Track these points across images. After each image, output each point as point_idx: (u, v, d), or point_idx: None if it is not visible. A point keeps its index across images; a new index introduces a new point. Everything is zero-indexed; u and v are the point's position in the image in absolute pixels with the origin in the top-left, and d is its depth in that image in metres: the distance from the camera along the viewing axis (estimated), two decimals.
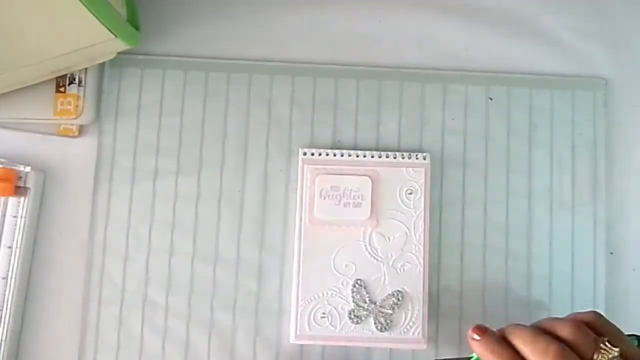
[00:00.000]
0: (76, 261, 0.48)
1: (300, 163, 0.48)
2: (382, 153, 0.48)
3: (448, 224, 0.49)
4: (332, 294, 0.47)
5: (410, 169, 0.48)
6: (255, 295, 0.48)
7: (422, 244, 0.47)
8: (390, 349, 0.47)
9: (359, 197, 0.47)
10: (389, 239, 0.47)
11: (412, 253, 0.47)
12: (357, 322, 0.46)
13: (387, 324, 0.46)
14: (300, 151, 0.48)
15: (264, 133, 0.50)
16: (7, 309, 0.46)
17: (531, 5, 0.52)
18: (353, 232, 0.47)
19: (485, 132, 0.50)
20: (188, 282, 0.48)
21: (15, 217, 0.47)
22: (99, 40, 0.43)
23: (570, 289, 0.49)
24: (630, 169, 0.51)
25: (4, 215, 0.47)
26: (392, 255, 0.47)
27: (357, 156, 0.48)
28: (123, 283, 0.48)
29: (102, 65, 0.49)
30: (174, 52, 0.51)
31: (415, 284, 0.47)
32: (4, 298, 0.46)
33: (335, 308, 0.47)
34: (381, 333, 0.46)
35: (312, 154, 0.48)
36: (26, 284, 0.48)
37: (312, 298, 0.47)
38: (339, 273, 0.47)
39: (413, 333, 0.46)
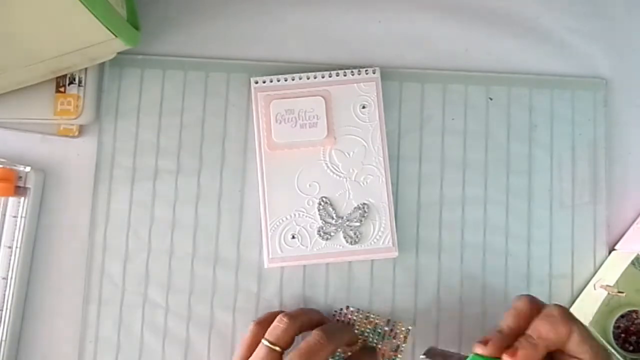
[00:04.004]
0: (76, 261, 0.48)
1: (252, 92, 0.49)
2: (332, 72, 0.49)
3: (447, 221, 0.49)
4: (299, 214, 0.47)
5: (362, 84, 0.49)
6: (255, 295, 0.48)
7: (382, 155, 0.48)
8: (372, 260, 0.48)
9: (314, 117, 0.48)
10: (349, 155, 0.48)
11: (373, 165, 0.48)
12: (327, 239, 0.47)
13: (357, 237, 0.47)
14: (252, 80, 0.49)
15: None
16: (7, 309, 0.46)
17: (531, 5, 0.52)
18: (313, 152, 0.48)
19: (485, 132, 0.50)
20: (188, 282, 0.48)
21: (15, 217, 0.47)
22: (99, 40, 0.43)
23: (570, 289, 0.49)
24: (630, 169, 0.51)
25: (4, 215, 0.47)
26: (353, 170, 0.48)
27: (308, 78, 0.49)
28: (123, 283, 0.48)
29: (102, 65, 0.49)
30: (174, 52, 0.51)
31: (379, 195, 0.48)
32: (4, 298, 0.46)
33: (303, 228, 0.47)
34: (352, 246, 0.47)
35: (264, 82, 0.49)
36: (26, 284, 0.48)
37: (280, 221, 0.47)
38: (304, 193, 0.48)
39: (383, 242, 0.47)
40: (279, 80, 0.49)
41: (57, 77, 0.47)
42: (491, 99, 0.51)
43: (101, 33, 0.42)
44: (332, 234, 0.47)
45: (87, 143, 0.49)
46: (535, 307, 0.40)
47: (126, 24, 0.45)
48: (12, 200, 0.47)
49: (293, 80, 0.49)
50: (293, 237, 0.47)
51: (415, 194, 0.49)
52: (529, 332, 0.38)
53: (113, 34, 0.42)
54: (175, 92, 0.50)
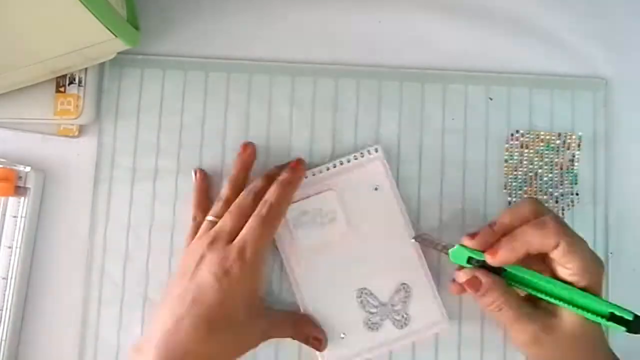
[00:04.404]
0: (76, 261, 0.48)
1: None
2: (335, 162, 0.48)
3: (447, 221, 0.49)
4: (342, 312, 0.46)
5: (368, 166, 0.48)
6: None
7: (406, 230, 0.47)
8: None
9: (331, 213, 0.47)
10: (374, 239, 0.47)
11: (400, 243, 0.47)
12: (376, 329, 0.46)
13: (405, 320, 0.46)
14: None
15: (264, 133, 0.50)
16: (7, 309, 0.46)
17: (531, 5, 0.52)
18: (339, 245, 0.47)
19: (485, 132, 0.50)
20: None
21: (15, 217, 0.47)
22: (99, 40, 0.43)
23: None
24: (630, 169, 0.51)
25: (4, 215, 0.47)
26: (382, 253, 0.47)
27: (314, 174, 0.48)
28: (123, 283, 0.48)
29: (102, 65, 0.49)
30: (174, 52, 0.51)
31: (415, 271, 0.47)
32: (4, 298, 0.46)
33: (350, 324, 0.46)
34: (402, 330, 0.46)
35: None
36: (26, 284, 0.48)
37: (327, 324, 0.46)
38: (342, 290, 0.47)
39: (433, 317, 0.46)
40: None
41: (57, 77, 0.47)
42: (491, 99, 0.51)
43: (101, 33, 0.42)
44: (379, 322, 0.46)
45: (87, 143, 0.49)
46: (536, 211, 0.41)
47: (126, 24, 0.45)
48: (12, 200, 0.47)
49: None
50: (343, 337, 0.46)
51: (415, 194, 0.49)
52: (516, 232, 0.40)
53: (113, 34, 0.42)
54: (175, 92, 0.50)
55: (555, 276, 0.41)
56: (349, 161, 0.48)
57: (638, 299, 0.49)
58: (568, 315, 0.41)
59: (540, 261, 0.42)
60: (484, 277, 0.41)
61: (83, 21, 0.39)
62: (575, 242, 0.40)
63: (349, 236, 0.47)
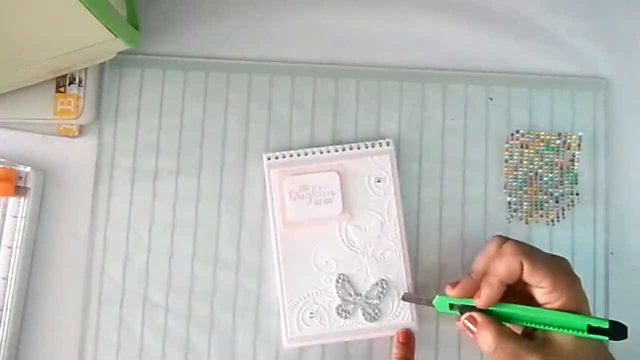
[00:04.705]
0: (76, 261, 0.48)
1: (265, 168, 0.48)
2: (345, 146, 0.48)
3: (448, 221, 0.49)
4: (317, 292, 0.47)
5: (376, 157, 0.48)
6: (255, 295, 0.48)
7: (398, 229, 0.47)
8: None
9: (329, 193, 0.47)
10: (365, 230, 0.47)
11: (390, 240, 0.47)
12: (346, 317, 0.46)
13: (376, 314, 0.46)
14: (264, 156, 0.48)
15: (264, 133, 0.50)
16: (7, 309, 0.46)
17: (531, 5, 0.52)
18: (329, 228, 0.47)
19: (485, 132, 0.50)
20: (188, 282, 0.48)
21: (15, 217, 0.47)
22: (99, 40, 0.43)
23: None
24: (630, 169, 0.51)
25: (4, 215, 0.47)
26: (370, 245, 0.47)
27: (322, 152, 0.48)
28: (123, 283, 0.48)
29: (102, 65, 0.49)
30: (174, 52, 0.51)
31: (397, 271, 0.47)
32: (4, 298, 0.46)
33: (322, 306, 0.47)
34: (371, 323, 0.46)
35: (277, 157, 0.48)
36: (26, 284, 0.48)
37: (298, 300, 0.47)
38: (321, 271, 0.47)
39: (402, 318, 0.47)
40: (291, 156, 0.48)
41: (57, 77, 0.47)
42: (491, 99, 0.51)
43: (101, 33, 0.42)
44: (350, 311, 0.46)
45: (87, 143, 0.49)
46: (499, 244, 0.43)
47: (126, 24, 0.45)
48: (12, 200, 0.47)
49: (306, 155, 0.48)
50: (311, 316, 0.47)
51: (415, 194, 0.49)
52: (489, 272, 0.42)
53: (113, 34, 0.42)
54: (175, 92, 0.50)
55: (537, 302, 0.42)
56: (358, 148, 0.48)
57: (638, 299, 0.49)
58: (560, 337, 0.40)
59: (526, 295, 0.42)
60: (478, 317, 0.42)
61: (83, 21, 0.39)
62: (538, 259, 0.41)
63: (340, 220, 0.47)
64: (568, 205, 0.50)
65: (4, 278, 0.46)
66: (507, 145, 0.50)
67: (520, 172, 0.50)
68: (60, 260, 0.48)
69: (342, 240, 0.47)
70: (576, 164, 0.50)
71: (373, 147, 0.48)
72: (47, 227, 0.48)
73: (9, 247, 0.46)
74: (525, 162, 0.50)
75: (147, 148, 0.49)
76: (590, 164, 0.50)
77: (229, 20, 0.51)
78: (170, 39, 0.51)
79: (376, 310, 0.46)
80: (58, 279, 0.48)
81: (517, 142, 0.50)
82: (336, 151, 0.48)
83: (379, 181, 0.48)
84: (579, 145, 0.50)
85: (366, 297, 0.47)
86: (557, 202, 0.50)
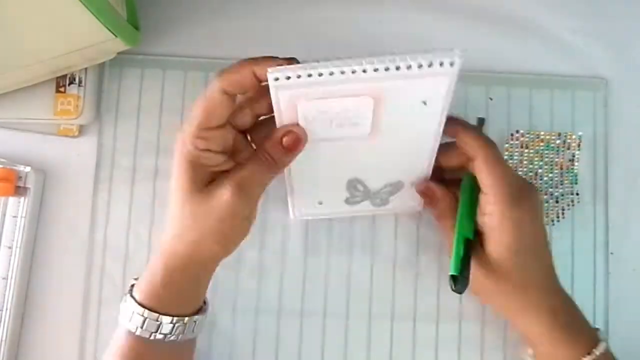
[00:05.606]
0: (76, 261, 0.48)
1: (272, 91, 0.36)
2: (390, 65, 0.35)
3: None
4: (326, 187, 0.45)
5: (429, 78, 0.36)
6: (255, 295, 0.48)
7: (431, 152, 0.41)
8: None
9: (357, 118, 0.37)
10: (393, 147, 0.41)
11: (418, 160, 0.42)
12: (354, 205, 0.46)
13: (383, 202, 0.46)
14: (270, 76, 0.35)
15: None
16: (7, 309, 0.46)
17: (531, 5, 0.52)
18: (349, 145, 0.40)
19: (485, 132, 0.50)
20: None
21: (15, 217, 0.47)
22: (99, 40, 0.43)
23: (570, 289, 0.49)
24: (630, 169, 0.51)
25: (4, 215, 0.47)
26: (396, 155, 0.42)
27: (353, 72, 0.34)
28: (123, 283, 0.48)
29: (102, 65, 0.49)
30: (174, 52, 0.51)
31: (418, 170, 0.43)
32: (4, 298, 0.46)
33: (330, 198, 0.46)
34: (377, 207, 0.47)
35: (288, 78, 0.35)
36: (26, 284, 0.48)
37: (308, 192, 0.46)
38: (334, 172, 0.43)
39: (409, 203, 0.47)
40: (310, 76, 0.34)
41: (57, 77, 0.47)
42: (491, 99, 0.51)
43: (101, 33, 0.42)
44: (358, 201, 0.46)
45: (87, 143, 0.49)
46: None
47: (126, 24, 0.45)
48: (12, 200, 0.47)
49: (331, 74, 0.34)
50: (320, 203, 0.46)
51: None
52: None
53: (113, 34, 0.42)
54: (175, 92, 0.50)
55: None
56: (408, 68, 0.35)
57: (638, 299, 0.49)
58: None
59: None
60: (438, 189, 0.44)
61: (83, 21, 0.40)
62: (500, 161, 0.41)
63: (366, 139, 0.39)
64: (568, 205, 0.50)
65: (4, 278, 0.46)
66: (507, 145, 0.50)
67: (520, 172, 0.50)
68: (60, 260, 0.48)
69: (363, 152, 0.41)
70: (576, 163, 0.50)
71: (430, 66, 0.36)
72: (47, 227, 0.48)
73: (9, 247, 0.46)
74: (525, 162, 0.50)
75: (147, 148, 0.49)
76: (590, 164, 0.50)
77: (229, 20, 0.51)
78: (170, 39, 0.51)
79: (383, 199, 0.46)
80: (58, 279, 0.48)
81: (517, 142, 0.50)
82: (375, 71, 0.35)
83: (424, 103, 0.37)
84: (578, 145, 0.50)
85: (374, 194, 0.46)
86: (557, 202, 0.50)
